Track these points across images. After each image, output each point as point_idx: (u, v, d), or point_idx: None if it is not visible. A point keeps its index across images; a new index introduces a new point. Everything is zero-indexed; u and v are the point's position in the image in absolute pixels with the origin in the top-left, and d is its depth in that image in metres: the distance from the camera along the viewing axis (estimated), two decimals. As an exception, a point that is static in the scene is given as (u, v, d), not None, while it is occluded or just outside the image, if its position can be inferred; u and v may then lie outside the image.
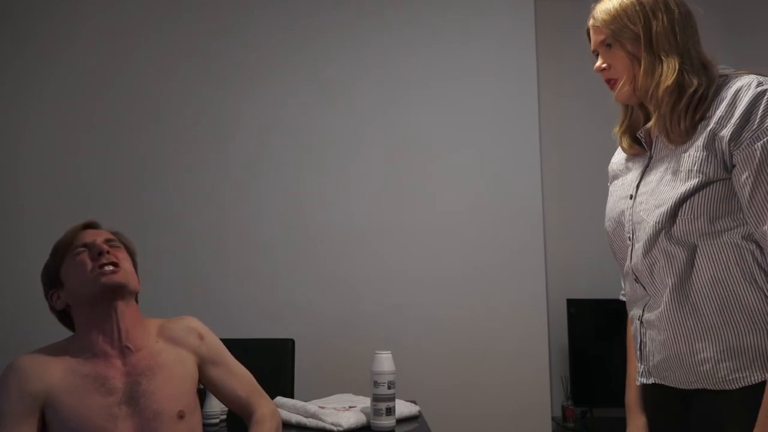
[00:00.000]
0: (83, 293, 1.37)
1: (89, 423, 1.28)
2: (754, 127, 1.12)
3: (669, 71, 1.21)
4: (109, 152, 2.87)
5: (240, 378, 1.51)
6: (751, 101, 1.13)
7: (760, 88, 1.14)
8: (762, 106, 1.12)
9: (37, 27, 2.92)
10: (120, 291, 1.37)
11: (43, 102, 2.89)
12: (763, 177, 1.11)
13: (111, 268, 1.36)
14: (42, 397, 1.29)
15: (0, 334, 2.64)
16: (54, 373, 1.31)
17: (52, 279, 1.41)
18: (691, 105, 1.19)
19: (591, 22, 1.32)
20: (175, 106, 2.90)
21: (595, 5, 1.32)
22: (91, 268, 1.36)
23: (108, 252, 1.38)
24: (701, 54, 1.24)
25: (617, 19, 1.26)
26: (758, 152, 1.11)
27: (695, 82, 1.20)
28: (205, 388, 1.50)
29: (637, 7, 1.24)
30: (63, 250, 1.40)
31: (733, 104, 1.15)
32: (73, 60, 2.91)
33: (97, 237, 1.41)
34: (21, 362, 1.32)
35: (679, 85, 1.20)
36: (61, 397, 1.29)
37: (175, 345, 1.44)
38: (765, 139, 1.11)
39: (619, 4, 1.26)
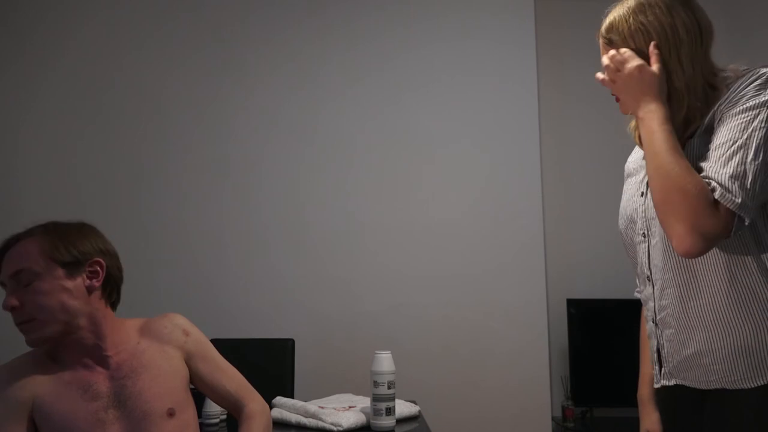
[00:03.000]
0: None
1: (78, 430, 1.26)
2: (735, 98, 1.13)
3: (679, 109, 1.20)
4: (109, 153, 2.87)
5: (228, 374, 1.49)
6: (741, 83, 1.14)
7: (754, 73, 1.14)
8: (747, 82, 1.13)
9: (37, 27, 2.93)
10: (44, 344, 1.30)
11: (42, 102, 2.89)
12: (728, 133, 1.11)
13: (23, 327, 1.27)
14: (28, 404, 1.27)
15: (0, 334, 2.64)
16: (38, 381, 1.29)
17: None
18: (687, 132, 1.21)
19: (599, 35, 1.31)
20: (174, 106, 2.90)
21: (604, 17, 1.29)
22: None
23: (12, 308, 1.26)
24: (707, 79, 1.20)
25: (624, 41, 1.24)
26: (729, 117, 1.12)
27: (698, 118, 1.20)
28: (195, 387, 1.48)
29: (645, 35, 1.21)
30: None
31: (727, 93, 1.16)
32: (72, 60, 2.91)
33: (5, 275, 1.29)
34: (1, 372, 1.30)
35: (686, 122, 1.21)
36: (48, 405, 1.27)
37: (159, 342, 1.40)
38: (740, 107, 1.11)
39: (628, 28, 1.23)
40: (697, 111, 1.19)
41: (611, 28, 1.25)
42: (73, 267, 1.30)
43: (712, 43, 1.22)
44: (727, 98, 1.15)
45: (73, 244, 1.31)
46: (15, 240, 1.31)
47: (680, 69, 1.19)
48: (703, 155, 1.15)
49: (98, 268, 1.34)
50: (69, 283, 1.29)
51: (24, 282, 1.27)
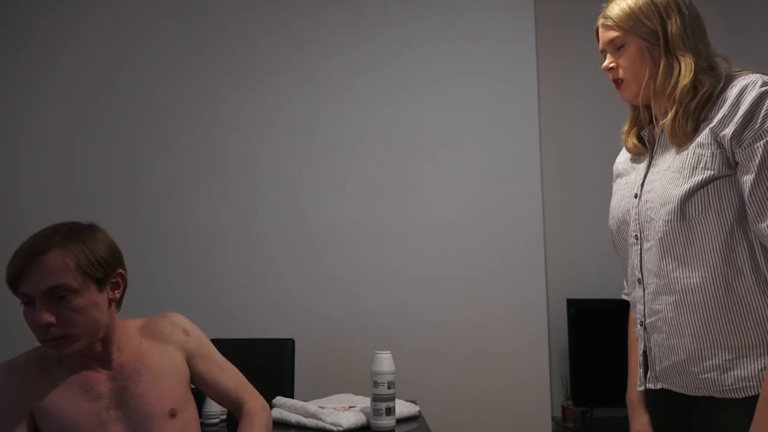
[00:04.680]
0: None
1: (78, 430, 1.26)
2: (756, 126, 1.12)
3: (687, 70, 1.21)
4: (108, 152, 2.87)
5: (228, 372, 1.49)
6: (754, 100, 1.13)
7: (763, 88, 1.14)
8: (765, 105, 1.12)
9: (37, 27, 2.92)
10: (72, 354, 1.28)
11: (42, 102, 2.89)
12: (763, 175, 1.11)
13: (54, 343, 1.24)
14: (28, 405, 1.27)
15: (0, 334, 2.64)
16: (40, 380, 1.29)
17: None
18: (698, 106, 1.20)
19: (601, 21, 1.32)
20: (174, 106, 2.90)
21: (606, 4, 1.32)
22: (36, 331, 1.23)
23: (47, 325, 1.21)
24: (709, 55, 1.24)
25: (632, 16, 1.26)
26: (759, 151, 1.11)
27: (706, 83, 1.20)
28: (195, 386, 1.49)
29: (652, 7, 1.25)
30: (11, 288, 1.24)
31: (736, 104, 1.15)
32: (72, 60, 2.91)
33: (36, 289, 1.21)
34: (2, 370, 1.29)
35: (694, 86, 1.21)
36: (49, 405, 1.27)
37: (160, 343, 1.41)
38: (767, 138, 1.11)
39: (634, 3, 1.26)
40: (704, 77, 1.20)
41: (629, 16, 1.27)
42: (102, 281, 1.29)
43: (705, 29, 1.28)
44: (736, 114, 1.14)
45: (101, 257, 1.28)
46: (42, 249, 1.22)
47: (687, 37, 1.23)
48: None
49: (119, 280, 1.34)
50: (99, 298, 1.28)
51: (57, 296, 1.22)
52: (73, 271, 1.23)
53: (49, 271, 1.21)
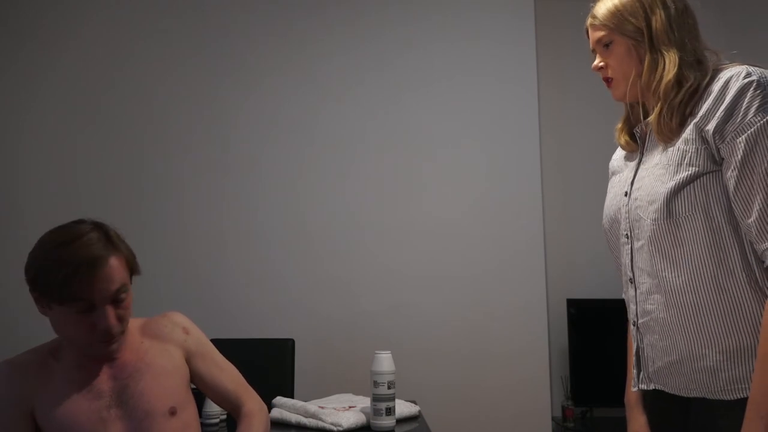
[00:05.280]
0: (73, 344, 1.30)
1: (79, 428, 1.26)
2: (738, 120, 1.10)
3: (670, 65, 1.20)
4: (108, 152, 2.87)
5: (228, 372, 1.50)
6: (736, 93, 1.11)
7: (747, 79, 1.12)
8: (747, 98, 1.10)
9: (37, 27, 2.92)
10: (119, 349, 1.33)
11: (42, 102, 2.89)
12: (747, 170, 1.09)
13: (111, 341, 1.28)
14: (29, 403, 1.27)
15: (0, 334, 2.64)
16: (40, 379, 1.29)
17: (35, 292, 1.26)
18: (683, 101, 1.19)
19: (589, 21, 1.32)
20: (174, 106, 2.90)
21: (594, 4, 1.32)
22: (87, 338, 1.26)
23: (114, 337, 1.27)
24: (697, 50, 1.23)
25: (617, 14, 1.26)
26: (741, 146, 1.10)
27: (691, 77, 1.19)
28: (194, 386, 1.49)
29: (637, 4, 1.25)
30: (55, 292, 1.22)
31: (720, 97, 1.13)
32: (72, 60, 2.91)
33: (105, 295, 1.24)
34: (3, 369, 1.30)
35: (678, 81, 1.19)
36: (49, 403, 1.27)
37: (161, 341, 1.42)
38: (749, 132, 1.09)
39: (620, 1, 1.26)
40: (689, 72, 1.19)
41: (613, 15, 1.26)
42: (132, 275, 1.34)
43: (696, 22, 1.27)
44: (718, 109, 1.13)
45: (131, 251, 1.33)
46: (103, 258, 1.24)
47: (672, 33, 1.22)
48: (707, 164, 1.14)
49: None
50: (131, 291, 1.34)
51: (119, 298, 1.27)
52: (126, 271, 1.30)
53: (114, 276, 1.25)
